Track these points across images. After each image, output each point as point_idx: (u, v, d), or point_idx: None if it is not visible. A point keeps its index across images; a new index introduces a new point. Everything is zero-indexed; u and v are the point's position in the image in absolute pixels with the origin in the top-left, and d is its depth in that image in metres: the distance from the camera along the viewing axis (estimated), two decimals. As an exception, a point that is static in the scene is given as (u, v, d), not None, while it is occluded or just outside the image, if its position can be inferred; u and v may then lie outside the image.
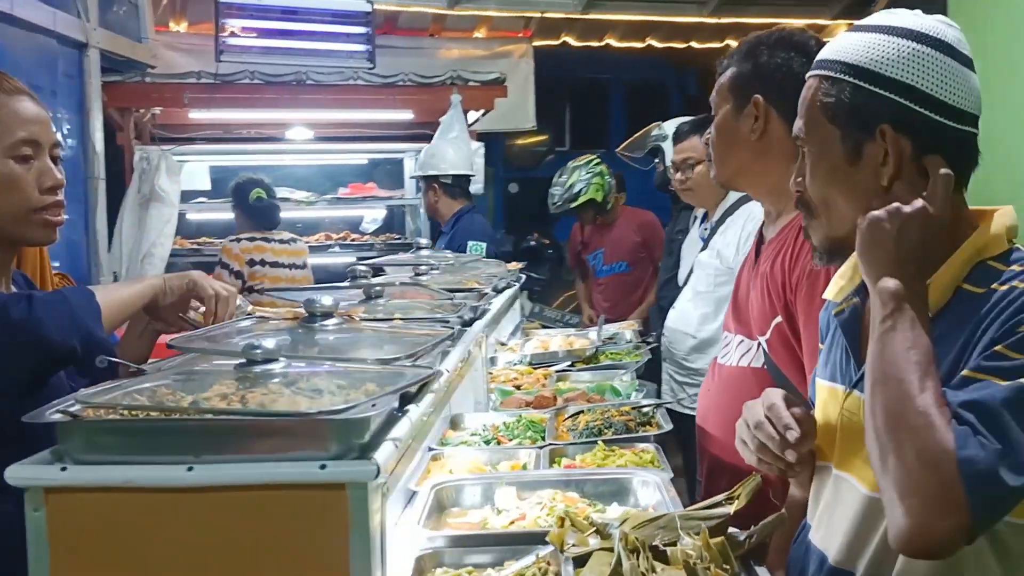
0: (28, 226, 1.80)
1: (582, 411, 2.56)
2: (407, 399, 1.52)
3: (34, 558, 1.22)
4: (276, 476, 1.21)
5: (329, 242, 6.77)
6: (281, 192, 7.32)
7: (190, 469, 1.21)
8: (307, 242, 6.29)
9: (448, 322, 2.18)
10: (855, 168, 1.39)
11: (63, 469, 1.21)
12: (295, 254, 5.49)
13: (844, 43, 1.42)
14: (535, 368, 3.35)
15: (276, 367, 1.38)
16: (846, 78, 1.39)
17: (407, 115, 6.57)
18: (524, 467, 2.16)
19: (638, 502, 1.90)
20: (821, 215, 1.44)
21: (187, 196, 6.77)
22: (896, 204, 1.31)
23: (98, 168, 5.59)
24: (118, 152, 6.18)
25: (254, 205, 5.50)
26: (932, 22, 1.38)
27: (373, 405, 1.25)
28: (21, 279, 2.07)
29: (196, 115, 6.26)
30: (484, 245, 4.98)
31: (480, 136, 7.13)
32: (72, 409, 1.26)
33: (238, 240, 5.25)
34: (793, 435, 1.39)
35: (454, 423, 2.66)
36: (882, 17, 1.42)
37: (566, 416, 2.59)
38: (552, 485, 1.94)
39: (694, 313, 3.41)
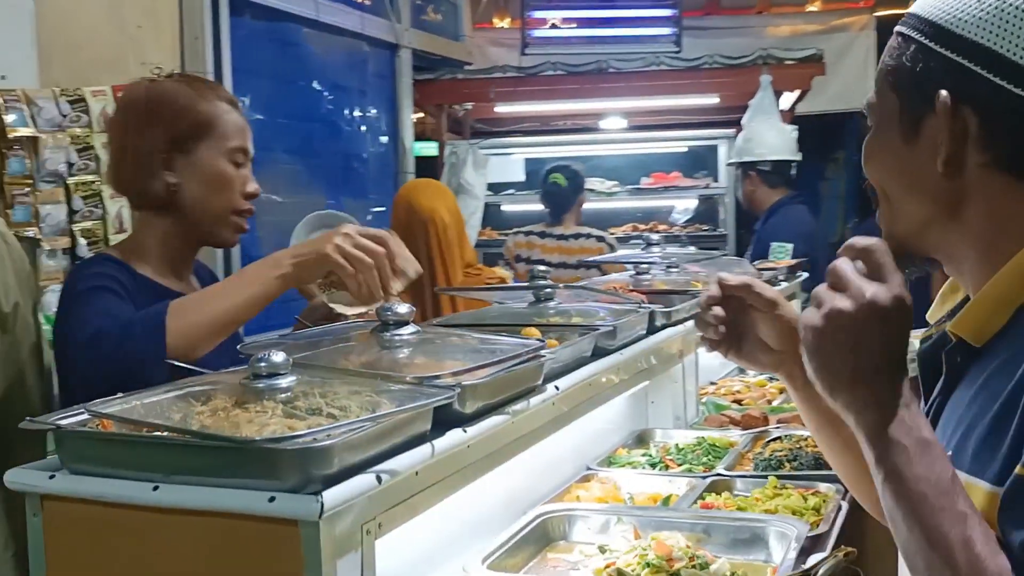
0: (223, 226, 1.93)
1: (779, 437, 2.24)
2: (451, 421, 1.39)
3: (33, 562, 1.24)
4: (229, 504, 1.12)
5: (635, 233, 6.65)
6: (591, 183, 7.32)
7: (155, 488, 1.16)
8: (613, 233, 6.22)
9: (596, 328, 1.99)
10: (912, 148, 1.05)
11: (51, 477, 1.21)
12: (568, 252, 5.37)
13: None
14: (771, 381, 3.00)
15: (283, 382, 1.29)
16: (915, 36, 1.06)
17: (712, 100, 6.27)
18: (667, 500, 1.91)
19: (770, 556, 1.60)
20: (883, 204, 1.10)
21: (500, 188, 6.98)
22: (835, 304, 0.95)
23: (408, 163, 5.90)
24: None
25: (544, 191, 5.49)
26: None
27: (328, 436, 1.12)
28: (206, 274, 2.18)
29: (501, 109, 6.40)
30: (790, 247, 4.49)
31: (814, 117, 6.64)
32: (75, 419, 1.26)
33: (516, 234, 5.27)
34: None
35: (641, 439, 2.44)
36: None
37: (766, 441, 2.28)
38: (676, 526, 1.69)
39: None
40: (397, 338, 1.58)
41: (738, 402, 2.79)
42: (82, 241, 3.45)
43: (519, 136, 7.08)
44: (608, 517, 1.80)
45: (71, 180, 3.42)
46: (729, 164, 6.14)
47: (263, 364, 1.29)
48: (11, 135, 3.15)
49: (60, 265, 3.37)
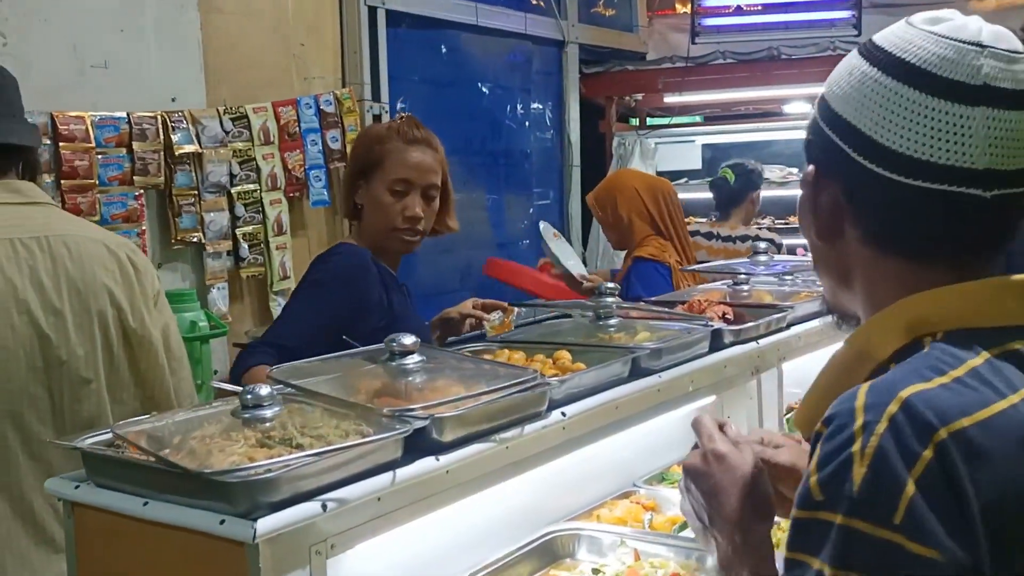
0: (388, 239, 2.41)
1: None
2: (431, 449, 1.55)
3: (68, 556, 1.52)
4: (194, 523, 1.34)
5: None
6: (771, 171, 7.18)
7: (145, 504, 1.39)
8: (787, 224, 6.11)
9: (633, 351, 2.08)
10: (814, 217, 1.09)
11: (76, 487, 1.48)
12: (735, 254, 5.32)
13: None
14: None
15: (267, 412, 1.50)
16: (814, 105, 1.11)
17: (891, 85, 5.99)
18: (684, 525, 1.97)
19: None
20: None
21: (676, 176, 6.98)
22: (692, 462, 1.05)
23: (573, 156, 6.04)
24: (601, 139, 6.60)
25: (711, 184, 5.48)
26: (935, 34, 1.00)
27: (268, 470, 1.31)
28: (405, 288, 2.56)
29: (670, 99, 6.39)
30: None
31: None
32: (101, 438, 1.52)
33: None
34: None
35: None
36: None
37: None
38: (675, 550, 1.76)
39: None
40: (402, 368, 1.77)
41: (825, 419, 2.76)
42: (244, 244, 3.86)
43: (691, 123, 7.05)
44: (615, 538, 1.90)
45: (234, 189, 3.82)
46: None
47: (249, 396, 1.51)
48: (178, 152, 3.56)
49: (224, 265, 3.80)
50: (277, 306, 3.99)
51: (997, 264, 1.04)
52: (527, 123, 5.71)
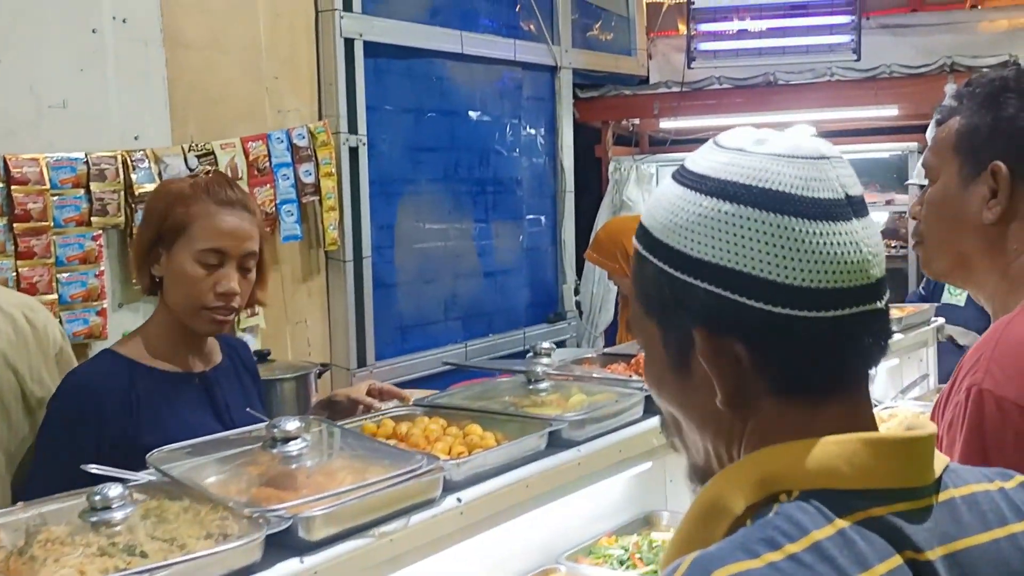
0: (196, 319, 2.11)
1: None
2: (299, 547, 1.48)
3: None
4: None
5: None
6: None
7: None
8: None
9: (550, 423, 2.00)
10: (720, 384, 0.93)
11: None
12: None
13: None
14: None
15: (117, 515, 1.44)
16: (649, 256, 0.96)
17: (891, 111, 5.85)
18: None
19: None
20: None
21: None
22: None
23: (566, 182, 5.96)
24: (598, 163, 6.51)
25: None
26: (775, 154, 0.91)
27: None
28: (244, 352, 2.43)
29: (666, 124, 6.30)
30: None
31: None
32: None
33: None
34: None
35: (649, 522, 2.41)
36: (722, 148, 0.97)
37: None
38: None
39: None
40: (284, 454, 1.71)
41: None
42: (208, 282, 3.81)
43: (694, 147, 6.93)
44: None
45: (198, 227, 3.77)
46: (907, 184, 5.73)
47: (97, 498, 1.45)
48: (138, 191, 3.53)
49: (188, 304, 3.75)
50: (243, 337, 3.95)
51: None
52: (517, 150, 5.64)
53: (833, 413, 0.90)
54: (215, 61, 3.93)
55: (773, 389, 0.90)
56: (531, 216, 5.80)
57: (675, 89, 6.08)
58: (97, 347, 3.33)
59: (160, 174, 3.61)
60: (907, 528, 0.84)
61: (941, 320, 3.76)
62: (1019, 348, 1.33)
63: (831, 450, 0.87)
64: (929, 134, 1.72)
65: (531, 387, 2.32)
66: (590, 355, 2.90)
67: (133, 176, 3.52)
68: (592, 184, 6.51)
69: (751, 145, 0.93)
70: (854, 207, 0.89)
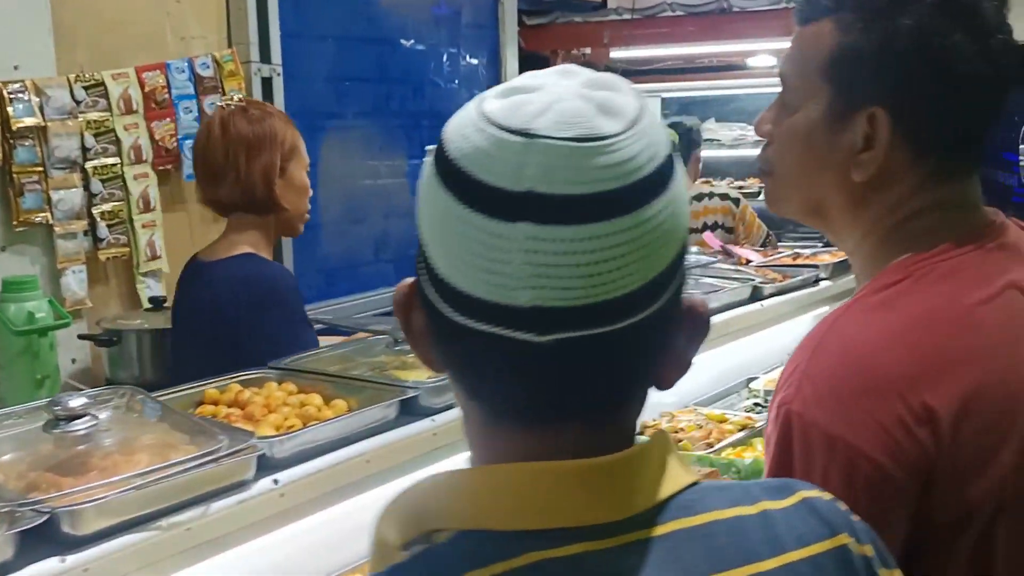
0: (298, 226, 2.58)
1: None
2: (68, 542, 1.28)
3: None
4: None
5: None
6: (735, 130, 6.86)
7: None
8: (742, 187, 5.77)
9: (403, 389, 1.79)
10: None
11: None
12: (693, 216, 5.02)
13: None
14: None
15: None
16: None
17: (850, 40, 5.58)
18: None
19: None
20: None
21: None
22: None
23: (511, 115, 5.68)
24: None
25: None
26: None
27: None
28: None
29: (617, 54, 6.01)
30: None
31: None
32: None
33: None
34: None
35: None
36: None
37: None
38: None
39: None
40: (69, 435, 1.50)
41: (676, 442, 2.47)
42: (101, 223, 3.57)
43: (656, 77, 6.67)
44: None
45: (88, 165, 3.51)
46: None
47: None
48: (16, 126, 3.26)
49: (80, 247, 3.50)
50: (145, 288, 3.71)
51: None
52: (456, 81, 5.35)
53: (533, 440, 0.72)
54: (108, -17, 3.63)
55: (479, 409, 0.78)
56: (473, 151, 5.53)
57: (626, 17, 5.78)
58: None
59: (42, 107, 3.34)
60: None
61: (827, 283, 3.11)
62: (838, 360, 1.07)
63: (487, 480, 0.73)
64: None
65: (398, 348, 2.11)
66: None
67: (10, 109, 3.24)
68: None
69: (490, 95, 0.76)
70: (531, 209, 0.68)
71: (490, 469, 0.73)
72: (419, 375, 2.00)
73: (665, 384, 0.77)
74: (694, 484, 0.75)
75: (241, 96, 2.50)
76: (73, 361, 3.51)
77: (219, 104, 2.61)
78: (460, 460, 1.98)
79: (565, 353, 0.69)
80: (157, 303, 3.45)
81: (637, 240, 0.67)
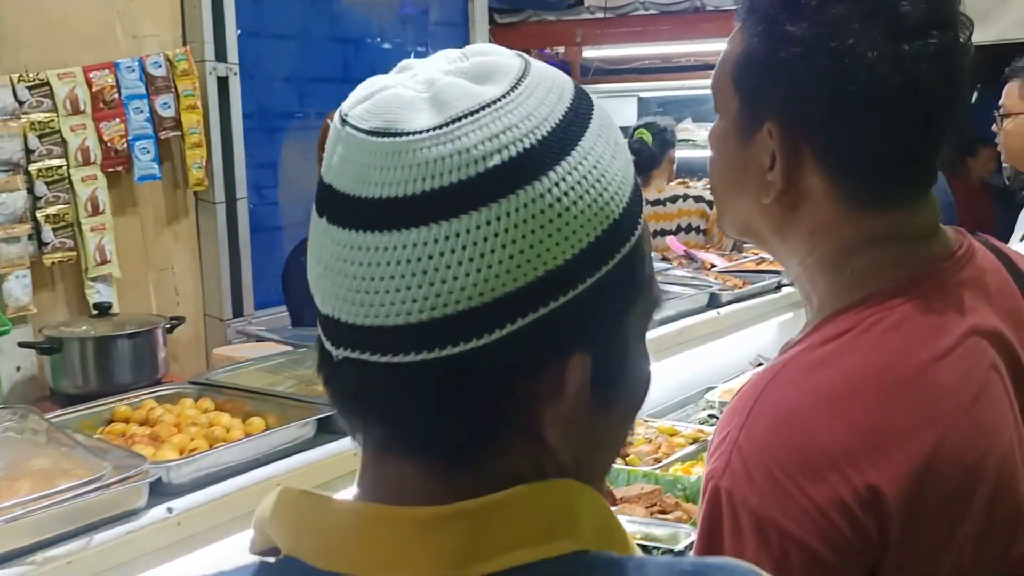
0: None
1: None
2: None
3: None
4: None
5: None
6: (693, 129, 6.79)
7: None
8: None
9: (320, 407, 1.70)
10: None
11: None
12: (667, 217, 4.90)
13: None
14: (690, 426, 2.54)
15: None
16: None
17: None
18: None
19: None
20: None
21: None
22: None
23: (482, 115, 5.58)
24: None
25: (629, 148, 5.10)
26: None
27: None
28: None
29: (590, 53, 5.92)
30: None
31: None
32: None
33: None
34: None
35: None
36: None
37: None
38: None
39: None
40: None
41: (623, 456, 2.38)
42: (46, 227, 3.46)
43: (633, 76, 6.59)
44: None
45: (32, 167, 3.41)
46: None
47: None
48: (-46, 127, 3.15)
49: (24, 251, 3.40)
50: (95, 293, 3.61)
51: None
52: (424, 81, 5.25)
53: (379, 476, 0.66)
54: (54, -19, 3.52)
55: None
56: (443, 153, 5.43)
57: (599, 15, 5.69)
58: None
59: (-18, 108, 3.24)
60: None
61: (789, 288, 2.97)
62: (770, 431, 0.92)
63: (331, 517, 0.65)
64: None
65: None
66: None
67: (-54, 110, 3.14)
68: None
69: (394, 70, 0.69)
70: (328, 204, 0.61)
71: (337, 503, 0.65)
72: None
73: (544, 433, 0.62)
74: (581, 552, 0.61)
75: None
76: (18, 369, 3.41)
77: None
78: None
79: (358, 377, 0.61)
80: (102, 310, 3.34)
81: (428, 260, 0.57)
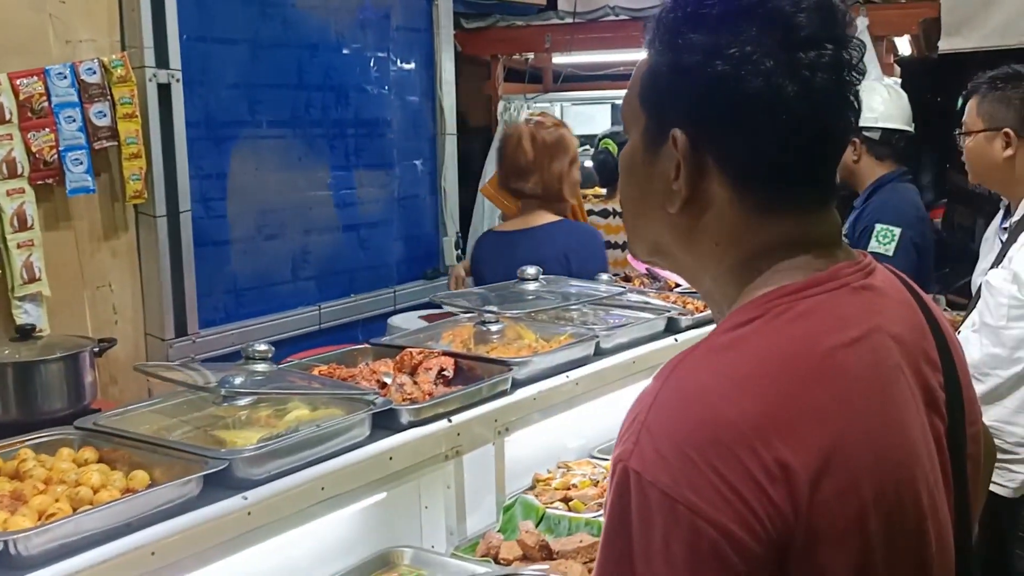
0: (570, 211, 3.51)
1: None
2: None
3: None
4: None
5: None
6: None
7: None
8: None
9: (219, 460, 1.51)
10: None
11: None
12: (614, 231, 4.77)
13: None
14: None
15: None
16: None
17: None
18: None
19: None
20: None
21: (582, 142, 6.37)
22: None
23: (447, 124, 5.41)
24: (487, 101, 5.95)
25: (594, 159, 4.94)
26: None
27: None
28: None
29: (561, 59, 5.73)
30: (898, 232, 3.49)
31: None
32: None
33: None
34: None
35: (387, 561, 1.93)
36: None
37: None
38: None
39: (979, 351, 2.54)
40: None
41: (567, 500, 2.19)
42: (-32, 242, 3.26)
43: (602, 84, 6.40)
44: None
45: (-47, 179, 3.21)
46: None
47: None
48: None
49: (-57, 268, 3.20)
50: (23, 313, 3.40)
51: None
52: (386, 87, 5.06)
53: None
54: (-20, -20, 3.32)
55: None
56: (405, 162, 5.25)
57: (568, 20, 5.50)
58: None
59: None
60: None
61: None
62: (678, 410, 0.92)
63: None
64: None
65: (227, 404, 1.82)
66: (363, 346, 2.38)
67: None
68: (482, 125, 5.95)
69: None
70: None
71: None
72: (250, 436, 1.71)
73: None
74: None
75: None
76: (-63, 396, 3.18)
77: (524, 119, 3.52)
78: (280, 542, 1.71)
79: None
80: (24, 333, 3.13)
81: None
